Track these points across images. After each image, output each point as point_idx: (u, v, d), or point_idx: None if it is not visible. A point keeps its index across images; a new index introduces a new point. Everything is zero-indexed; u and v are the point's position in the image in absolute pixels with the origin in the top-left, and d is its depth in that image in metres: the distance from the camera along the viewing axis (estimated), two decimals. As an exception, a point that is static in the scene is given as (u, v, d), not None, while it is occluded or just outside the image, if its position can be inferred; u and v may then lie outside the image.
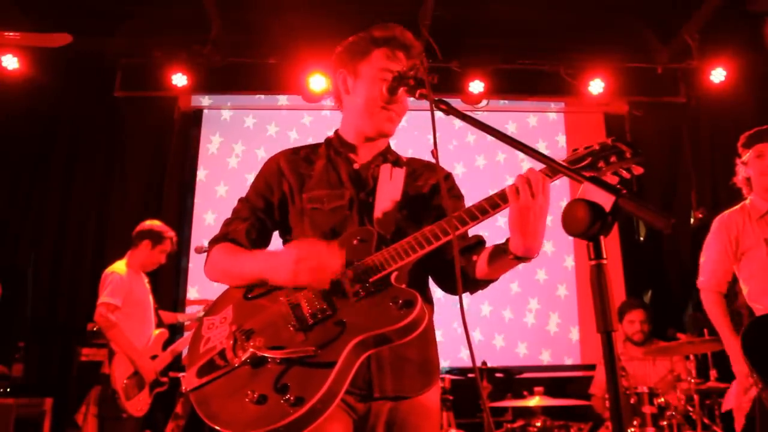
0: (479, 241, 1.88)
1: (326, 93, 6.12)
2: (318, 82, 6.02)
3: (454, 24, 5.85)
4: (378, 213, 1.86)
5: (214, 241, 1.95)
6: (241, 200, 2.00)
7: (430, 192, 1.96)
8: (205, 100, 6.66)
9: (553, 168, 1.52)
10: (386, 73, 1.87)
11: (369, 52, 1.92)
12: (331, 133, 2.08)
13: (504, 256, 1.70)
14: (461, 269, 1.82)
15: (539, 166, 1.53)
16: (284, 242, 1.98)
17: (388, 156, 2.00)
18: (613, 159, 1.61)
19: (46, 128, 6.26)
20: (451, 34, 5.95)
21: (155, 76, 6.10)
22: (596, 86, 6.26)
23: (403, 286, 1.69)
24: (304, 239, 1.73)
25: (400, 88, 1.78)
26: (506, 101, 6.82)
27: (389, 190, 1.91)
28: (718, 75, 6.13)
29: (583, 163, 1.62)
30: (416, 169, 2.00)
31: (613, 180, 1.62)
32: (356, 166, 1.96)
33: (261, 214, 1.95)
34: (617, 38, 6.25)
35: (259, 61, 6.18)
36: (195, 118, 6.60)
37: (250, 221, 1.93)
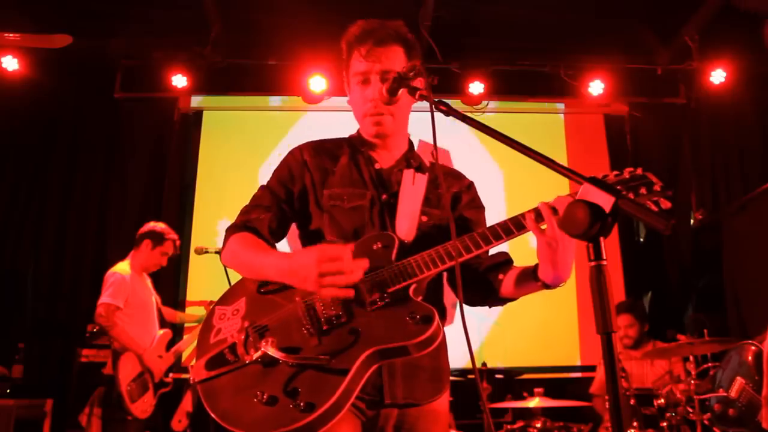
0: (506, 260, 1.88)
1: (326, 94, 6.13)
2: (318, 83, 6.02)
3: (454, 25, 5.85)
4: (399, 217, 1.85)
5: (232, 228, 1.87)
6: (262, 187, 1.95)
7: (451, 200, 1.95)
8: (205, 101, 6.65)
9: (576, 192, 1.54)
10: (359, 76, 1.88)
11: (349, 57, 1.93)
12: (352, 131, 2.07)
13: (532, 281, 1.72)
14: (488, 285, 1.84)
15: (539, 167, 1.53)
16: (301, 235, 1.96)
17: (411, 161, 1.98)
18: (642, 191, 1.62)
19: (46, 129, 6.27)
20: (451, 34, 5.95)
21: (155, 77, 6.11)
22: (596, 87, 6.26)
23: (420, 298, 1.68)
24: (324, 243, 1.67)
25: (400, 89, 1.78)
26: (506, 102, 6.82)
27: (411, 196, 1.89)
28: (718, 76, 6.14)
29: None
30: (438, 175, 1.96)
31: None
32: (378, 166, 1.95)
33: (283, 204, 1.90)
34: (617, 39, 6.25)
35: (259, 62, 6.18)
36: (195, 118, 6.60)
37: (273, 211, 1.88)
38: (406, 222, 1.84)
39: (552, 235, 1.59)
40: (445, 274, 1.94)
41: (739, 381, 3.80)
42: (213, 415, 1.61)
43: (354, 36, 1.90)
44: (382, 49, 1.85)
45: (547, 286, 1.69)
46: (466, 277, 1.82)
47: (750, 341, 3.92)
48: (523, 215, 1.66)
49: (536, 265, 1.71)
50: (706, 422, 4.02)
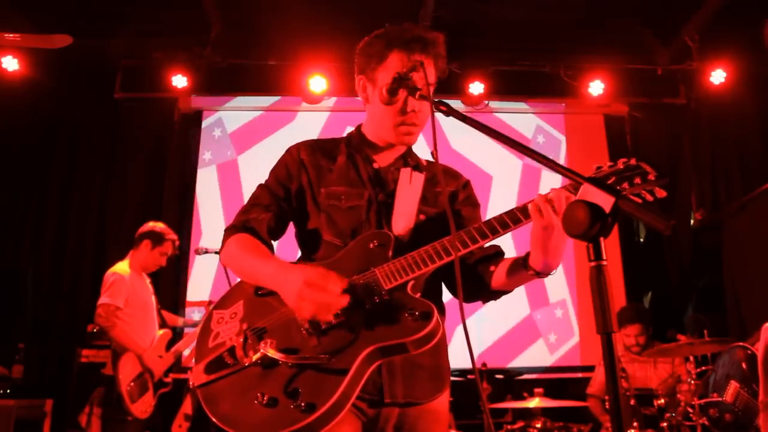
0: (497, 252, 1.88)
1: (326, 94, 6.13)
2: (318, 83, 6.02)
3: (454, 25, 5.85)
4: (396, 216, 1.85)
5: (232, 229, 1.87)
6: (260, 186, 1.95)
7: (448, 199, 1.94)
8: (204, 102, 6.65)
9: (574, 185, 1.54)
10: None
11: (385, 57, 1.85)
12: (352, 129, 2.06)
13: (522, 271, 1.71)
14: (480, 278, 1.84)
15: (539, 167, 1.54)
16: (298, 234, 1.95)
17: (409, 160, 1.98)
18: (637, 180, 1.60)
19: (46, 129, 6.27)
20: (451, 35, 5.93)
21: (155, 77, 6.11)
22: (596, 87, 6.26)
23: (418, 295, 1.68)
24: (316, 266, 1.67)
25: (399, 89, 1.77)
26: (506, 102, 6.82)
27: (408, 195, 1.89)
28: (718, 76, 6.14)
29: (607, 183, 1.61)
30: (436, 173, 1.96)
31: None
32: (376, 166, 1.94)
33: (282, 203, 1.90)
34: (617, 40, 6.26)
35: (260, 63, 6.18)
36: (195, 119, 6.60)
37: (272, 210, 1.88)
38: (403, 220, 1.84)
39: (549, 222, 1.59)
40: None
41: (733, 385, 3.78)
42: (213, 419, 1.61)
43: (402, 39, 1.84)
44: (428, 62, 1.82)
45: (537, 274, 1.69)
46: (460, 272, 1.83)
47: (740, 343, 3.90)
48: (518, 208, 1.67)
49: (526, 254, 1.71)
50: (705, 423, 4.03)
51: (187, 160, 6.46)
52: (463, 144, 6.33)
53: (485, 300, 1.90)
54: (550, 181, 6.22)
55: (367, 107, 1.98)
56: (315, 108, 6.46)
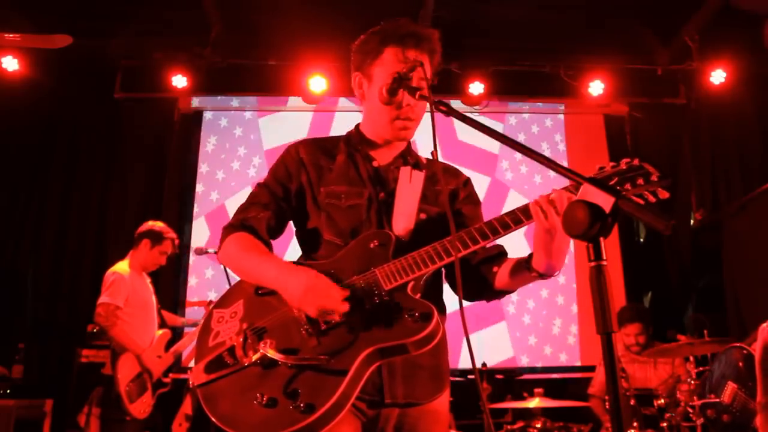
0: (500, 252, 1.88)
1: (326, 94, 6.13)
2: (318, 83, 6.02)
3: (454, 25, 5.85)
4: (396, 215, 1.84)
5: (230, 228, 1.85)
6: (259, 185, 1.93)
7: (448, 197, 1.94)
8: (204, 102, 6.65)
9: (575, 185, 1.54)
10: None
11: (380, 53, 1.85)
12: (351, 128, 2.05)
13: (525, 272, 1.71)
14: (483, 278, 1.84)
15: (538, 166, 1.54)
16: (298, 233, 1.95)
17: (409, 158, 1.98)
18: (639, 181, 1.59)
19: (46, 129, 6.27)
20: (451, 35, 5.93)
21: (155, 77, 6.11)
22: (596, 87, 6.26)
23: (418, 296, 1.68)
24: (317, 273, 1.67)
25: (399, 89, 1.77)
26: (506, 102, 6.81)
27: (408, 193, 1.88)
28: (718, 76, 6.14)
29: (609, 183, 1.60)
30: (436, 172, 1.96)
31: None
32: (376, 164, 1.94)
33: (282, 202, 1.89)
34: (617, 40, 6.26)
35: (260, 63, 6.18)
36: (195, 119, 6.60)
37: (271, 209, 1.87)
38: (403, 219, 1.83)
39: (552, 223, 1.59)
40: (443, 271, 1.93)
41: (731, 386, 3.77)
42: (213, 419, 1.61)
43: (396, 35, 1.84)
44: (424, 57, 1.83)
45: (541, 276, 1.69)
46: (462, 272, 1.82)
47: (737, 344, 3.90)
48: (519, 208, 1.66)
49: (529, 255, 1.71)
50: (704, 422, 4.02)
51: (187, 160, 6.45)
52: (470, 134, 6.29)
53: (488, 300, 1.90)
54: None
55: (363, 105, 1.97)
56: (314, 108, 6.45)
